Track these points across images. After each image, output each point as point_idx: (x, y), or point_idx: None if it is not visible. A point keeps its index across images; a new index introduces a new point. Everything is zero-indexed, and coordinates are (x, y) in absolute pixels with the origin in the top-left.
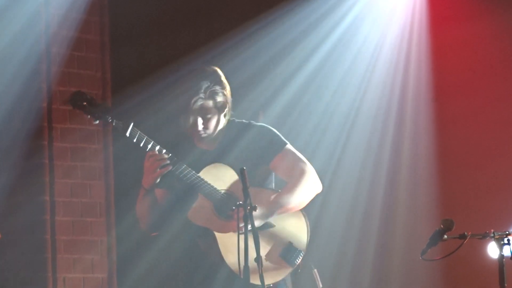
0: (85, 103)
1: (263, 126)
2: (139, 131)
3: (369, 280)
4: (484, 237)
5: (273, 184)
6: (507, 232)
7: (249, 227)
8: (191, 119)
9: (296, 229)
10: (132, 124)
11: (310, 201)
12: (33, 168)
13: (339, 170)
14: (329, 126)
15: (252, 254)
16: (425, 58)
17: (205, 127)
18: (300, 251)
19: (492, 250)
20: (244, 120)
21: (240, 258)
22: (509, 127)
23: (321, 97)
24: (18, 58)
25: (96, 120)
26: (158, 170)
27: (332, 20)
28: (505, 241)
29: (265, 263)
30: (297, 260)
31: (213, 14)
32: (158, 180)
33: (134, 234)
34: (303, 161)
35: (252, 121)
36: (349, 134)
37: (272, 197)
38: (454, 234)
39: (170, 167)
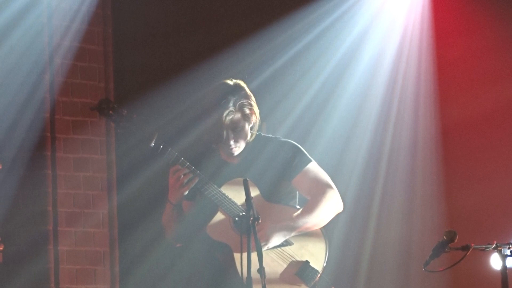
0: (111, 112)
1: (288, 142)
2: (163, 143)
3: None
4: (487, 248)
5: (297, 200)
6: (510, 244)
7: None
8: (224, 134)
9: (314, 247)
10: (157, 134)
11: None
12: (36, 179)
13: (338, 178)
14: (328, 135)
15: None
16: (427, 67)
17: (236, 140)
18: (317, 270)
19: (495, 261)
20: (270, 135)
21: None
22: None
23: (321, 106)
24: (22, 68)
25: (120, 129)
26: (185, 185)
27: (336, 30)
28: (508, 252)
29: (280, 280)
30: (312, 279)
31: (216, 24)
32: (186, 193)
33: (137, 245)
34: (325, 180)
35: (277, 136)
36: (348, 142)
37: (293, 215)
38: (457, 245)
39: (196, 180)
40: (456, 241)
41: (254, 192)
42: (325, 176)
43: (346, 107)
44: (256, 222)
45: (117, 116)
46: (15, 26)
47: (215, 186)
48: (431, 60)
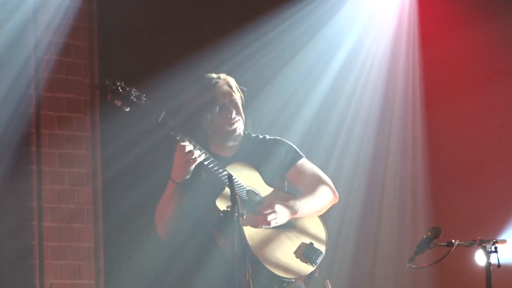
0: (117, 88)
1: (278, 139)
2: (169, 120)
3: None
4: (471, 244)
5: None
6: (494, 240)
7: (277, 224)
8: (220, 105)
9: (316, 232)
10: (164, 112)
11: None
12: (21, 174)
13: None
14: (318, 135)
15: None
16: (415, 68)
17: (237, 112)
18: (321, 251)
19: (480, 257)
20: (259, 135)
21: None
22: (499, 137)
23: (311, 105)
24: (6, 64)
25: (127, 107)
26: (191, 161)
27: (322, 28)
28: (492, 248)
29: (290, 259)
30: (318, 260)
31: (203, 19)
32: (191, 173)
33: (122, 240)
34: (319, 172)
35: (266, 135)
36: (337, 142)
37: (290, 201)
38: (442, 241)
39: (203, 156)
40: (440, 237)
41: (256, 175)
42: (317, 170)
43: (334, 108)
44: (241, 218)
45: (124, 92)
46: (0, 21)
47: (220, 164)
48: (419, 63)
